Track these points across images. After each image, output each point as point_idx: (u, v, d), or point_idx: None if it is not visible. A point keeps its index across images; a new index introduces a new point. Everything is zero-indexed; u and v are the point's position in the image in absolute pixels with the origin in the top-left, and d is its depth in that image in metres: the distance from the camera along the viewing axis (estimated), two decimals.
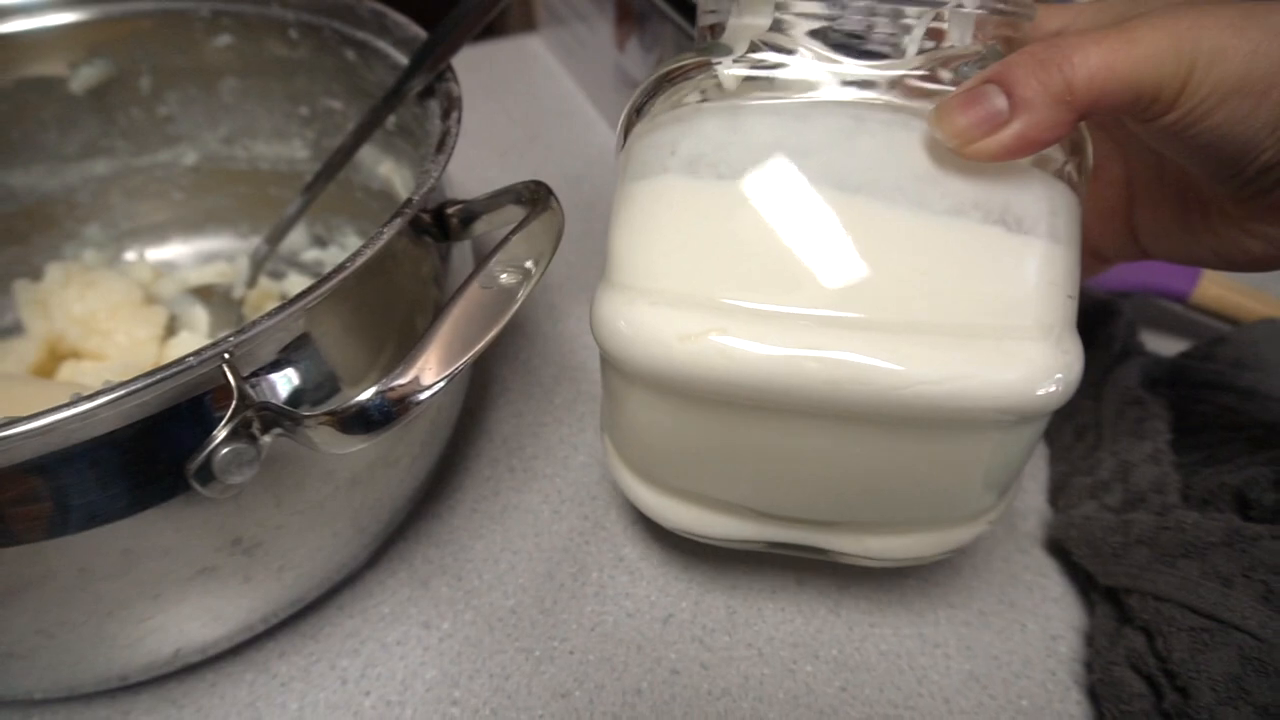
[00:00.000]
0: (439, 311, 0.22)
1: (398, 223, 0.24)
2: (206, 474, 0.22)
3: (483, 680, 0.28)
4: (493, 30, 0.65)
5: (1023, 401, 0.21)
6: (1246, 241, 0.24)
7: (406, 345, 0.26)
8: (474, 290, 0.23)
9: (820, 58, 0.23)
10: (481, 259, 0.23)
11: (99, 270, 0.37)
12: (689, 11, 0.39)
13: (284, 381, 0.24)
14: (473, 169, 0.51)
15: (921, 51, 0.22)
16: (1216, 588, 0.25)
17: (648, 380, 0.23)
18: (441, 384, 0.22)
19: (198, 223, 0.43)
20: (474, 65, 0.60)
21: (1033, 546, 0.32)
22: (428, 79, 0.31)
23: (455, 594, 0.31)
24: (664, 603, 0.30)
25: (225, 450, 0.22)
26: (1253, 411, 0.32)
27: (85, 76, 0.38)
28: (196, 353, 0.21)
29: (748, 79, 0.23)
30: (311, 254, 0.43)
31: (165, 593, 0.24)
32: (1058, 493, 0.33)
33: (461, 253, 0.31)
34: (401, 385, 0.21)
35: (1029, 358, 0.21)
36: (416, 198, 0.25)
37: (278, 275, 0.42)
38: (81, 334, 0.34)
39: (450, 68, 0.30)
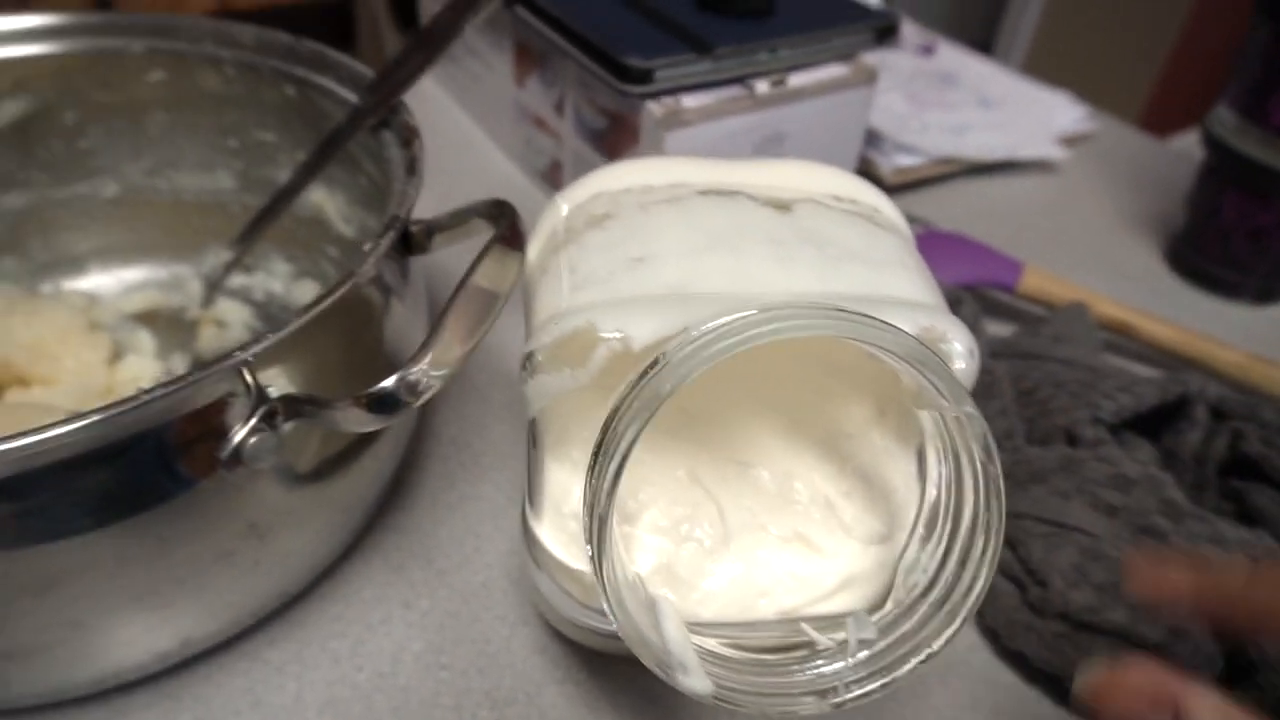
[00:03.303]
0: (442, 311, 0.26)
1: (391, 235, 0.28)
2: (235, 460, 0.24)
3: (466, 646, 0.32)
4: None
5: None
6: None
7: (373, 349, 0.30)
8: (466, 293, 0.27)
9: None
10: (469, 268, 0.27)
11: (40, 298, 0.38)
12: (591, 50, 0.44)
13: (282, 379, 0.26)
14: None
15: None
16: (1058, 501, 0.32)
17: None
18: (448, 371, 0.26)
19: (119, 254, 0.44)
20: None
21: None
22: (382, 113, 0.34)
23: (428, 575, 0.34)
24: None
25: (253, 439, 0.24)
26: (1070, 373, 0.40)
27: (7, 111, 0.39)
28: (221, 358, 0.23)
29: None
30: (239, 280, 0.44)
31: (189, 578, 0.26)
32: None
33: (418, 266, 0.34)
34: (416, 373, 0.25)
35: None
36: (402, 214, 0.29)
37: (208, 302, 0.43)
38: (29, 360, 0.35)
39: (403, 101, 0.34)
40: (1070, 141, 0.64)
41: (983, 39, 1.89)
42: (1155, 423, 0.37)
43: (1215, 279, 0.51)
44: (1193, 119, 0.78)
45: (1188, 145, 0.70)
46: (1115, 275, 0.52)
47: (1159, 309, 0.47)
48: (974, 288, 0.47)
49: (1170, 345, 0.44)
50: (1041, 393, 0.39)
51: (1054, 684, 0.31)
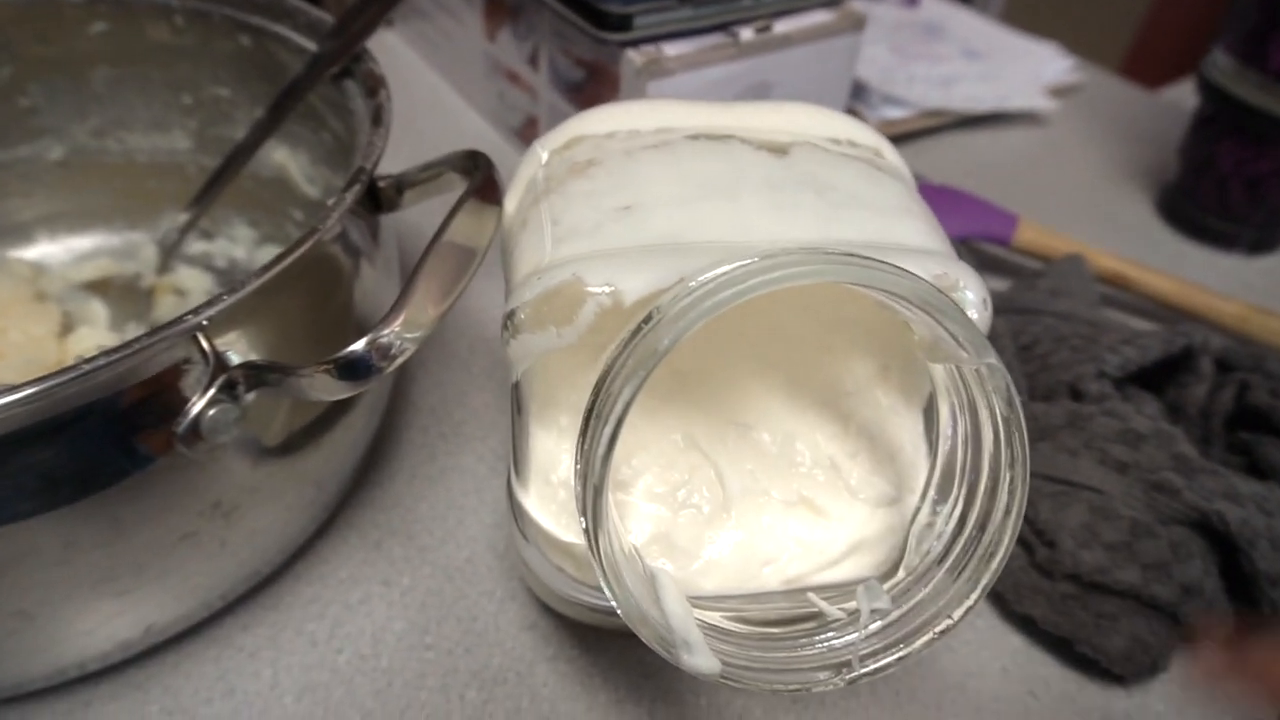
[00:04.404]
0: (414, 270, 0.24)
1: (356, 188, 0.26)
2: (194, 435, 0.22)
3: (451, 624, 0.30)
4: None
5: None
6: None
7: (341, 312, 0.28)
8: (439, 250, 0.25)
9: None
10: (442, 223, 0.25)
11: None
12: None
13: (242, 345, 0.24)
14: None
15: None
16: (1066, 459, 0.31)
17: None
18: (422, 333, 0.24)
19: (68, 220, 0.41)
20: None
21: None
22: (344, 61, 0.32)
23: (409, 552, 0.32)
24: None
25: (212, 411, 0.22)
26: (1070, 327, 0.39)
27: None
28: (171, 323, 0.21)
29: None
30: (199, 246, 0.42)
31: (150, 562, 0.24)
32: None
33: (388, 224, 0.32)
34: (387, 336, 0.23)
35: None
36: (367, 165, 0.26)
37: (164, 269, 0.41)
38: None
39: (366, 48, 0.32)
40: (1058, 92, 0.62)
41: None
42: (1158, 376, 0.36)
43: (1210, 230, 0.50)
44: (1175, 70, 0.77)
45: (1177, 95, 0.69)
46: (1107, 228, 0.51)
47: (1152, 261, 0.46)
48: (969, 241, 0.46)
49: (1168, 297, 0.43)
50: (1042, 348, 0.38)
51: (1064, 647, 0.30)
